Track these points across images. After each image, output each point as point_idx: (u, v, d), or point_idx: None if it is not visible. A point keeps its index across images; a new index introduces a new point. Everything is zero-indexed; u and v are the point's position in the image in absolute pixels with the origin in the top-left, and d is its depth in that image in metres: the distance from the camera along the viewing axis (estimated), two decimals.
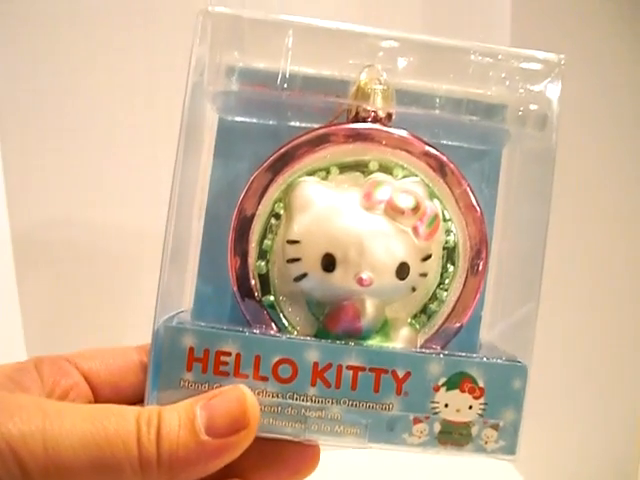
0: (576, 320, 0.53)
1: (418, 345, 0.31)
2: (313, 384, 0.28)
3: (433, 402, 0.29)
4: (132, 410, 0.26)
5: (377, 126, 0.30)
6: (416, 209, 0.29)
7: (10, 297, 0.59)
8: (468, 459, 0.29)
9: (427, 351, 0.30)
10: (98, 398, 0.31)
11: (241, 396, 0.27)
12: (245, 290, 0.30)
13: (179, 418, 0.26)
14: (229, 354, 0.28)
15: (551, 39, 0.53)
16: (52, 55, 0.58)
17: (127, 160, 0.60)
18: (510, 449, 0.29)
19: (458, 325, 0.31)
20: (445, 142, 0.31)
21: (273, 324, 0.30)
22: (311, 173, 0.30)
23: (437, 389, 0.29)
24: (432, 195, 0.31)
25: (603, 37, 0.51)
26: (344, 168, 0.30)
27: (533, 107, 0.31)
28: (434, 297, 0.31)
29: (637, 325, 0.48)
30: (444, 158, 0.31)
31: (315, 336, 0.30)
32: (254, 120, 0.32)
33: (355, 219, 0.29)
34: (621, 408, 0.49)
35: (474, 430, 0.29)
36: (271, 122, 0.32)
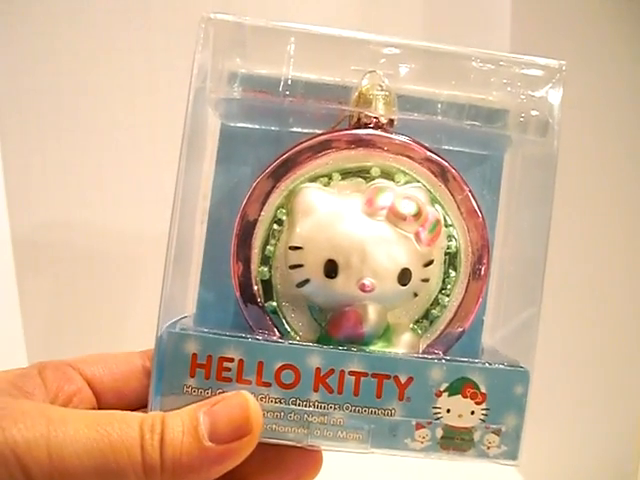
0: (577, 325, 0.53)
1: (420, 350, 0.31)
2: (316, 390, 0.28)
3: (435, 407, 0.29)
4: (135, 416, 0.26)
5: (379, 132, 0.30)
6: (418, 215, 0.29)
7: (10, 299, 0.59)
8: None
9: (429, 356, 0.30)
10: (101, 404, 0.31)
11: (244, 402, 0.27)
12: (248, 296, 0.30)
13: (182, 424, 0.26)
14: (232, 360, 0.28)
15: (551, 44, 0.53)
16: (52, 55, 0.58)
17: (128, 161, 0.60)
18: (512, 454, 0.29)
19: (460, 330, 0.31)
20: (447, 147, 0.32)
21: (276, 330, 0.30)
22: (313, 179, 0.30)
23: (439, 394, 0.29)
24: (434, 201, 0.31)
25: (604, 41, 0.51)
26: (346, 174, 0.30)
27: (534, 113, 0.31)
28: (436, 302, 0.31)
29: (637, 329, 0.49)
30: (446, 164, 0.31)
31: (317, 342, 0.30)
32: (256, 126, 0.32)
33: (357, 225, 0.29)
34: (621, 411, 0.49)
35: (476, 435, 0.29)
36: (273, 128, 0.32)
